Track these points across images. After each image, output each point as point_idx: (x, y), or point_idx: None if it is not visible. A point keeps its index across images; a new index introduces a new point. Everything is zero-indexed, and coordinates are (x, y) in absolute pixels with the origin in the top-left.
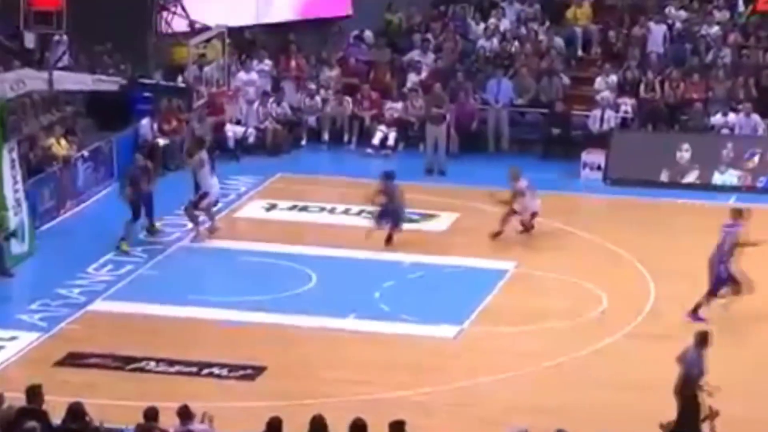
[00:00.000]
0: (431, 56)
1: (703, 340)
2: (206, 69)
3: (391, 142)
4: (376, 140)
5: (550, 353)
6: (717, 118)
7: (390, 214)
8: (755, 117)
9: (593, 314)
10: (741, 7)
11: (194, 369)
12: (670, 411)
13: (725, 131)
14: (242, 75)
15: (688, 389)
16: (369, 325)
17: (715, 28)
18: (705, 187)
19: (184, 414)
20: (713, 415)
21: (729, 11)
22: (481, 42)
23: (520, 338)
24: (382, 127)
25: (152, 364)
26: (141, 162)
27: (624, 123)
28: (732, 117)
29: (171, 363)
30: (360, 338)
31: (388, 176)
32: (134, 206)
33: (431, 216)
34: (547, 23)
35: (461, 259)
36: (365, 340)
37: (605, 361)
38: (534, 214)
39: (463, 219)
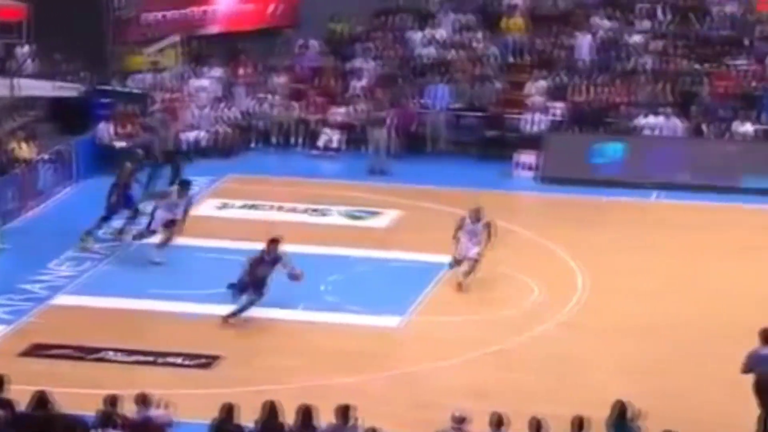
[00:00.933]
0: (373, 63)
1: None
2: (161, 76)
3: (336, 144)
4: (321, 142)
5: (488, 341)
6: (640, 120)
7: None
8: (675, 120)
9: (527, 304)
10: (661, 17)
11: (152, 358)
12: (601, 393)
13: (647, 132)
14: (194, 81)
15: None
16: (316, 316)
17: (638, 37)
18: (632, 185)
19: (143, 401)
20: None
21: (650, 21)
22: (421, 50)
23: (461, 327)
24: (328, 130)
25: (112, 354)
26: (132, 168)
27: (555, 125)
28: (654, 119)
29: (130, 353)
30: (308, 328)
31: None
32: (114, 209)
33: (375, 213)
34: (483, 32)
35: (404, 253)
36: (313, 330)
37: (539, 347)
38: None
39: (406, 216)
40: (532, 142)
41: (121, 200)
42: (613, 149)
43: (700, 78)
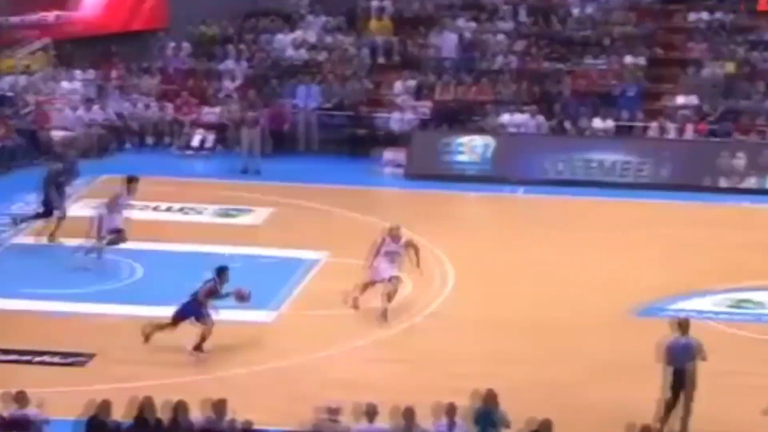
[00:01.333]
0: (245, 65)
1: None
2: (31, 78)
3: (209, 144)
4: (195, 142)
5: (360, 333)
6: (505, 118)
7: None
8: (540, 118)
9: (398, 297)
10: (523, 18)
11: (28, 357)
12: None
13: (512, 129)
14: (66, 84)
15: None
16: None
17: (501, 37)
18: (498, 181)
19: (20, 399)
20: None
21: (513, 22)
22: (291, 51)
23: (333, 321)
24: (201, 131)
25: None
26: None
27: (421, 123)
28: (518, 117)
29: (5, 352)
30: (183, 325)
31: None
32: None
33: (248, 211)
34: (350, 34)
35: (277, 249)
36: (188, 326)
37: (411, 339)
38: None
39: (278, 213)
40: (400, 140)
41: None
42: (478, 146)
43: (561, 77)
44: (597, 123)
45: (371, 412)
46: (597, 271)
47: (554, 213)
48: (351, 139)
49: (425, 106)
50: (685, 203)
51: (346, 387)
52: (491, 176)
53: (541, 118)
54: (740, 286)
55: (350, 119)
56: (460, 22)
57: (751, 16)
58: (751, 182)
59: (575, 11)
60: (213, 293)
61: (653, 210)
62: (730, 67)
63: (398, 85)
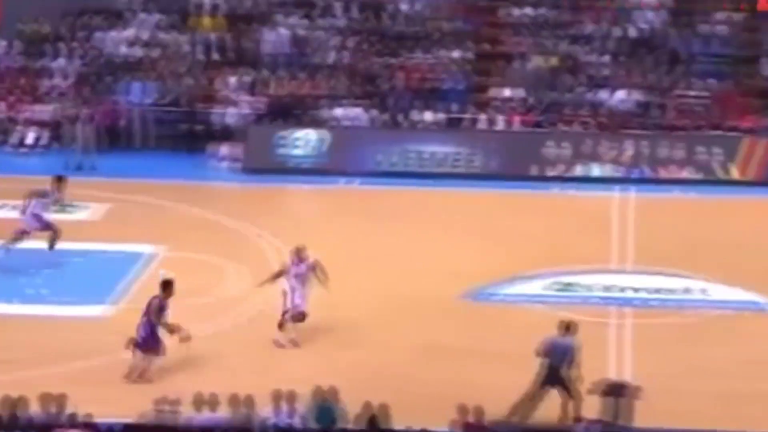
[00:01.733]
0: (78, 62)
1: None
2: None
3: (44, 141)
4: (29, 140)
5: (200, 325)
6: (338, 112)
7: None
8: (373, 111)
9: (236, 290)
10: (355, 15)
11: None
12: (306, 370)
13: (345, 123)
14: None
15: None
16: (28, 309)
17: (334, 33)
18: (331, 173)
19: None
20: None
21: (346, 19)
22: (125, 49)
23: (171, 314)
24: (35, 128)
25: None
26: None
27: (254, 118)
28: (352, 111)
29: None
30: (20, 321)
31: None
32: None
33: (84, 207)
34: (182, 31)
35: (112, 244)
36: (25, 323)
37: (249, 330)
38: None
39: (115, 209)
40: (236, 135)
41: None
42: (313, 140)
43: (392, 71)
44: (428, 116)
45: (212, 402)
46: (430, 259)
47: (389, 204)
48: (187, 135)
49: (260, 102)
50: (514, 192)
51: (185, 377)
52: (327, 169)
53: (374, 112)
54: (567, 270)
55: (186, 115)
56: (293, 19)
57: (573, 12)
58: (576, 170)
59: (404, 8)
60: (162, 309)
61: (484, 199)
62: (553, 60)
63: (232, 81)
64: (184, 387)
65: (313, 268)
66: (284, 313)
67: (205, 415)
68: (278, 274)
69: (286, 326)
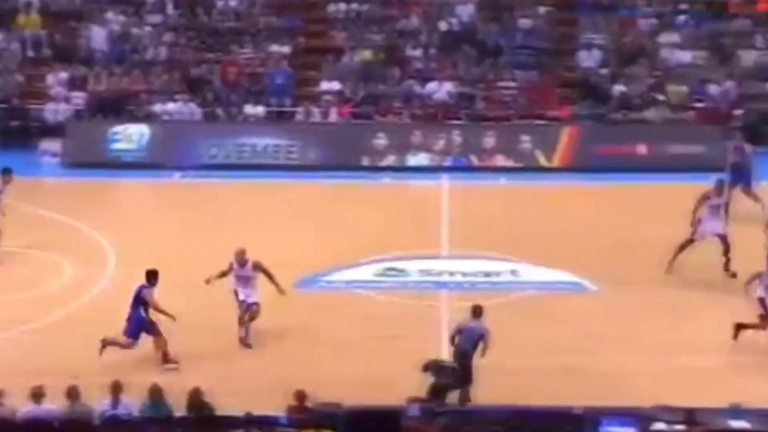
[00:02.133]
0: None
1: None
2: None
3: None
4: None
5: (25, 319)
6: (159, 107)
7: None
8: (192, 105)
9: (61, 283)
10: (170, 11)
11: None
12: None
13: (167, 118)
14: None
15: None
16: None
17: (150, 29)
18: (155, 166)
19: None
20: None
21: (160, 14)
22: None
23: (5, 305)
24: None
25: None
26: None
27: (77, 114)
28: (172, 106)
29: None
30: None
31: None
32: None
33: None
34: (1, 29)
35: None
36: None
37: (75, 322)
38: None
39: None
40: (56, 130)
41: None
42: (134, 134)
43: (210, 66)
44: (248, 109)
45: (37, 394)
46: (255, 249)
47: (210, 196)
48: (6, 131)
49: (79, 97)
50: (333, 182)
51: (19, 372)
52: (148, 162)
53: (193, 106)
54: (386, 256)
55: (4, 111)
56: (109, 16)
57: (385, 7)
58: (392, 160)
59: (219, 3)
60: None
61: (304, 189)
62: (367, 54)
63: (50, 78)
64: (13, 380)
65: (255, 269)
66: (243, 313)
67: (30, 408)
68: (223, 274)
69: (244, 324)
